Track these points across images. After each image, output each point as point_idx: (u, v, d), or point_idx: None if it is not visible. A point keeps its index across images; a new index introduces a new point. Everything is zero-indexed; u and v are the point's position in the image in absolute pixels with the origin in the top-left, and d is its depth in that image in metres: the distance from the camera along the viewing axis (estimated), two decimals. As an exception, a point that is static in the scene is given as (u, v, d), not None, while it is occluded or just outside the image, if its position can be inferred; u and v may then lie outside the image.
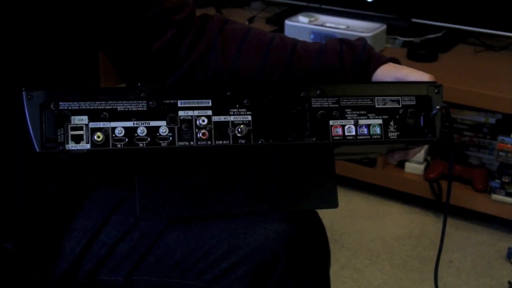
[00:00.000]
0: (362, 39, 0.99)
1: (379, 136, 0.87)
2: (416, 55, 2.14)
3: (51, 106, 0.77)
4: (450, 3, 2.20)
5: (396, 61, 0.96)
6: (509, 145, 2.00)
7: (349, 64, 0.96)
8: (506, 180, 2.01)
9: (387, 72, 0.94)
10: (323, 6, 2.33)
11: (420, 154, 2.15)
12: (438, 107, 0.88)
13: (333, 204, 0.92)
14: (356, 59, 0.96)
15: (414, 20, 2.24)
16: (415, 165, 2.17)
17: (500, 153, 2.02)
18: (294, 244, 0.91)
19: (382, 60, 0.95)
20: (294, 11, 2.37)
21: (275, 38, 1.00)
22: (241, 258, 0.91)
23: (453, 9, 2.19)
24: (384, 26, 2.22)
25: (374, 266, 1.93)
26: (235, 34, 1.00)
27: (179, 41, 0.99)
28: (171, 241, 0.95)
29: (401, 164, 2.20)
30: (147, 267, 0.97)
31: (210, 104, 0.82)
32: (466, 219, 2.13)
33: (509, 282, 1.84)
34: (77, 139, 0.78)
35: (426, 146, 2.16)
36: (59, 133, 0.77)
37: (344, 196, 2.24)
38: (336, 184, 0.93)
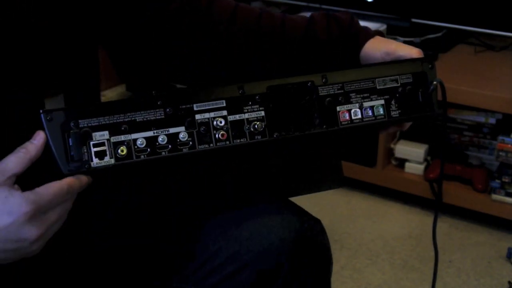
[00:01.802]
0: (347, 13, 0.99)
1: (383, 116, 0.89)
2: (416, 55, 2.14)
3: (71, 125, 0.76)
4: (450, 3, 2.20)
5: (381, 34, 0.97)
6: (509, 145, 2.00)
7: (337, 39, 0.96)
8: (506, 180, 2.01)
9: (375, 46, 0.95)
10: (323, 6, 2.33)
11: (420, 154, 2.15)
12: (434, 82, 0.92)
13: (339, 183, 0.95)
14: (343, 34, 0.96)
15: (414, 20, 2.24)
16: (415, 165, 2.17)
17: (500, 153, 2.02)
18: (297, 252, 0.91)
19: (369, 34, 0.96)
20: (294, 11, 2.37)
21: (263, 15, 0.99)
22: (244, 264, 0.90)
23: (453, 9, 2.19)
24: (384, 26, 2.22)
25: (374, 266, 1.93)
26: (224, 11, 0.99)
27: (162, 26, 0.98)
28: (174, 246, 0.95)
29: (401, 164, 2.20)
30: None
31: (224, 105, 0.82)
32: (466, 219, 2.13)
33: (509, 282, 1.84)
34: (101, 155, 0.77)
35: (426, 147, 2.16)
36: (83, 152, 0.77)
37: (344, 196, 2.24)
38: (340, 162, 0.95)
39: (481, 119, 2.10)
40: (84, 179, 0.78)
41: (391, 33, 2.24)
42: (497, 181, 2.02)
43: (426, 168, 2.15)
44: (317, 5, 2.34)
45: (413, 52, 0.93)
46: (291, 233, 0.91)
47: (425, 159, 2.17)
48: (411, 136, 2.19)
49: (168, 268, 0.96)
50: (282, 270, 0.90)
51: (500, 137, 2.01)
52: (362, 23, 0.99)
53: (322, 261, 0.95)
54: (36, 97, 0.89)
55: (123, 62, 1.03)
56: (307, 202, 0.96)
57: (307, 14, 1.02)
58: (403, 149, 2.17)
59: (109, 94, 2.67)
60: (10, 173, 0.75)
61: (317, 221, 0.96)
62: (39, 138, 0.77)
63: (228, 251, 0.91)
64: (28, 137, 0.87)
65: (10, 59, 0.87)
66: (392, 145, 2.20)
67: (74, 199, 0.79)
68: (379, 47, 0.94)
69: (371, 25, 2.19)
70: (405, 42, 2.24)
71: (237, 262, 0.90)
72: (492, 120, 2.09)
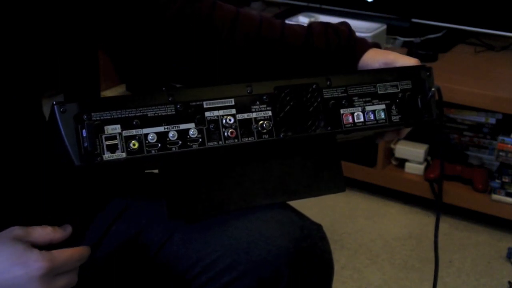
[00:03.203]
0: (345, 23, 1.01)
1: (384, 120, 0.91)
2: (416, 55, 2.14)
3: (84, 117, 0.76)
4: (450, 3, 2.20)
5: (378, 46, 0.99)
6: (509, 145, 2.00)
7: (335, 49, 0.98)
8: (506, 180, 2.01)
9: (374, 57, 0.97)
10: (323, 6, 2.34)
11: (420, 154, 2.15)
12: (433, 89, 0.93)
13: (341, 188, 0.96)
14: (342, 44, 0.98)
15: (414, 20, 2.24)
16: (415, 165, 2.17)
17: (500, 153, 2.02)
18: (297, 260, 0.90)
19: (367, 45, 0.98)
20: (294, 11, 2.37)
21: (263, 23, 1.00)
22: (243, 273, 0.89)
23: (453, 9, 2.19)
24: (384, 26, 2.22)
25: (374, 266, 1.93)
26: (226, 17, 0.99)
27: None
28: (173, 254, 0.95)
29: (401, 164, 2.20)
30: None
31: (233, 103, 0.83)
32: (466, 219, 2.13)
33: (509, 282, 1.84)
34: (113, 148, 0.77)
35: (426, 147, 2.16)
36: (97, 144, 0.76)
37: (344, 196, 2.24)
38: (341, 168, 0.96)
39: (481, 119, 2.10)
40: (87, 250, 0.83)
41: (391, 33, 2.24)
42: (497, 181, 2.03)
43: (426, 168, 2.15)
44: (317, 5, 2.34)
45: (411, 62, 0.95)
46: (291, 241, 0.90)
47: (425, 159, 2.17)
48: (411, 136, 2.19)
49: (171, 270, 0.95)
50: (282, 279, 0.89)
51: (500, 137, 2.01)
52: (362, 23, 1.01)
53: (323, 268, 0.94)
54: (34, 97, 0.89)
55: (123, 63, 1.03)
56: (307, 202, 0.96)
57: (306, 18, 1.02)
58: (403, 149, 2.17)
59: (109, 94, 2.67)
60: (31, 239, 0.79)
61: (318, 227, 0.95)
62: (67, 228, 0.83)
63: (226, 260, 0.90)
64: (24, 137, 0.87)
65: (9, 60, 0.87)
66: (392, 145, 2.20)
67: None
68: (378, 58, 0.96)
69: (371, 25, 2.19)
70: (405, 42, 2.25)
71: (236, 271, 0.89)
72: (492, 120, 2.09)
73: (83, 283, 0.94)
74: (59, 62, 0.93)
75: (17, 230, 0.79)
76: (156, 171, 0.88)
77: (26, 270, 0.76)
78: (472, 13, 2.16)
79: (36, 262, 0.76)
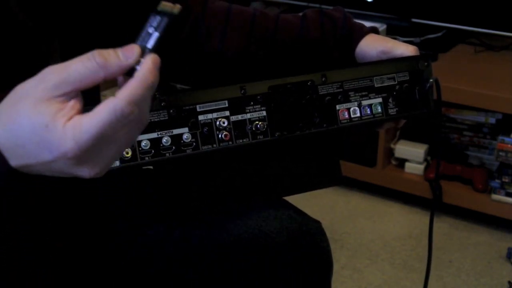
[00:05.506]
0: (340, 9, 0.98)
1: (381, 114, 0.90)
2: (416, 55, 2.14)
3: None
4: (450, 3, 2.20)
5: (375, 31, 0.97)
6: (509, 145, 2.00)
7: (331, 37, 0.96)
8: (506, 180, 2.01)
9: (371, 44, 0.94)
10: (323, 6, 2.34)
11: (420, 154, 2.15)
12: (431, 80, 0.92)
13: (337, 181, 0.95)
14: (337, 32, 0.96)
15: (414, 20, 2.24)
16: (415, 165, 2.17)
17: (500, 153, 2.02)
18: (296, 257, 0.90)
19: (364, 32, 0.95)
20: (294, 11, 2.37)
21: (257, 15, 0.99)
22: (242, 270, 0.90)
23: (453, 9, 2.19)
24: (384, 26, 2.22)
25: (374, 266, 1.93)
26: (217, 14, 0.98)
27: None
28: (172, 252, 0.95)
29: (401, 164, 2.20)
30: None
31: (226, 105, 0.82)
32: (466, 219, 2.13)
33: (509, 282, 1.84)
34: None
35: (426, 147, 2.16)
36: None
37: (344, 196, 2.24)
38: (339, 160, 0.95)
39: (481, 119, 2.10)
40: (149, 79, 0.58)
41: (391, 33, 2.24)
42: (497, 181, 2.03)
43: (426, 168, 2.16)
44: (317, 5, 2.34)
45: (409, 49, 0.93)
46: (290, 237, 0.90)
47: (425, 159, 2.17)
48: (411, 136, 2.20)
49: (171, 268, 0.96)
50: (281, 275, 0.89)
51: (500, 137, 2.01)
52: (362, 23, 0.99)
53: (322, 264, 0.94)
54: None
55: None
56: (307, 202, 0.96)
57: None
58: (403, 149, 2.17)
59: (109, 94, 2.67)
60: (68, 88, 0.56)
61: (316, 223, 0.95)
62: (130, 50, 0.58)
63: (226, 257, 0.90)
64: None
65: (8, 58, 0.87)
66: (392, 145, 2.20)
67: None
68: (375, 46, 0.94)
69: (371, 25, 2.19)
70: (405, 42, 2.25)
71: (236, 269, 0.90)
72: (492, 120, 2.09)
73: (82, 283, 0.95)
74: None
75: (48, 80, 0.57)
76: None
77: (53, 156, 0.57)
78: (472, 13, 2.16)
79: (59, 146, 0.56)
